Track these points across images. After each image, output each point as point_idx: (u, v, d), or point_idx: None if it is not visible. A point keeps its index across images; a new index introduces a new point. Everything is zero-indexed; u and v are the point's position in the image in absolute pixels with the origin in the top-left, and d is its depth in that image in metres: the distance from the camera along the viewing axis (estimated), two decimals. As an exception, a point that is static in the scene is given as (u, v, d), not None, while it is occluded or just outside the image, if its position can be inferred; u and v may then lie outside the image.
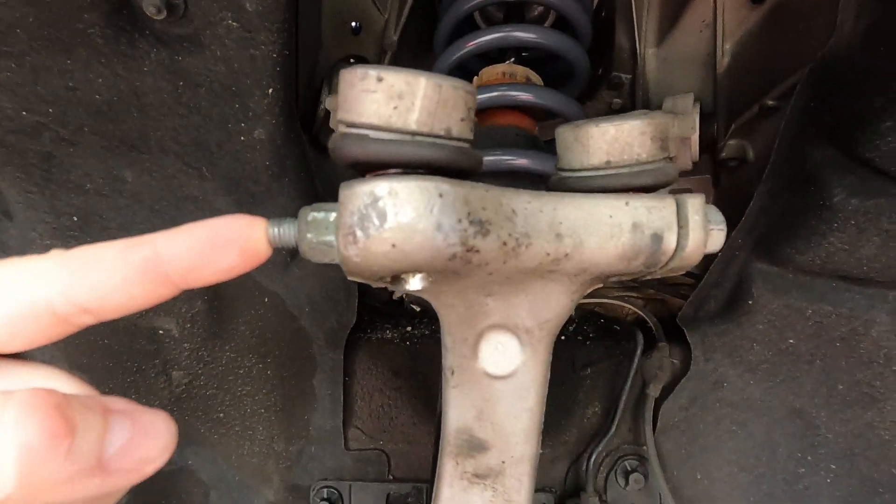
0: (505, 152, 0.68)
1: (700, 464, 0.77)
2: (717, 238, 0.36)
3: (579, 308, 0.94)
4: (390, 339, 0.83)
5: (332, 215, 0.30)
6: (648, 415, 0.75)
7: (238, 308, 0.79)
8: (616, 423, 0.77)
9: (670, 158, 0.37)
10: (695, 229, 0.34)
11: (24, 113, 0.55)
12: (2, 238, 0.65)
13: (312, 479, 0.80)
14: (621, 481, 0.78)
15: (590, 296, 0.97)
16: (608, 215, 0.33)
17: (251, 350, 0.80)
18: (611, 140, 0.35)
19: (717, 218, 0.36)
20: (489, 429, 0.42)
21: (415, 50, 0.93)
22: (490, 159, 0.68)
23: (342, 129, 0.29)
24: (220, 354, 0.80)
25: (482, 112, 0.77)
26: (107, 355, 0.74)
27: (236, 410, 0.82)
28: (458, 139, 0.29)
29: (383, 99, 0.27)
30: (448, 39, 0.81)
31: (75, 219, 0.65)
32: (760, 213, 0.69)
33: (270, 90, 0.62)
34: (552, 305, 0.37)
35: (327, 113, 0.84)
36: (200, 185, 0.67)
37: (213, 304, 0.78)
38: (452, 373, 0.41)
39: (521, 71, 0.79)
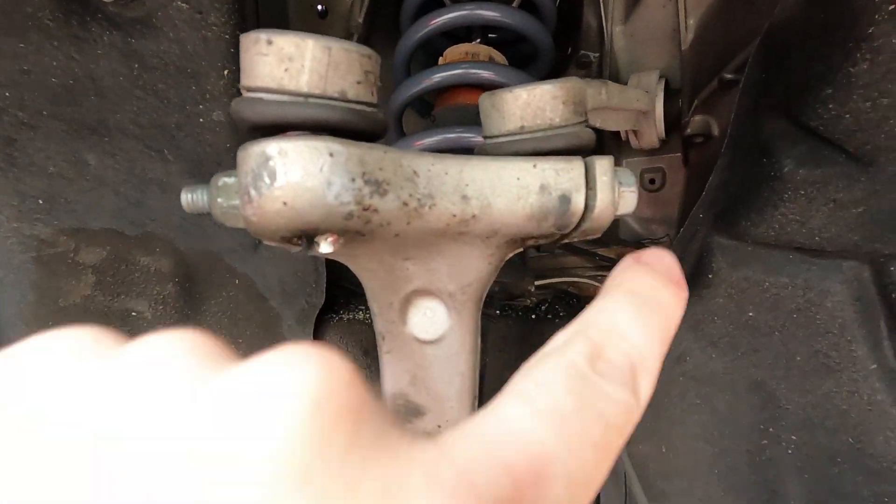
0: (465, 129, 0.69)
1: (665, 438, 0.78)
2: (628, 199, 0.37)
3: (551, 288, 0.94)
4: (362, 319, 0.85)
5: (242, 180, 0.31)
6: (612, 389, 0.76)
7: (209, 290, 0.80)
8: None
9: (585, 122, 0.38)
10: (603, 190, 0.35)
11: (-19, 97, 0.56)
12: (-30, 221, 0.66)
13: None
14: (586, 455, 0.79)
15: (563, 275, 0.98)
16: (515, 177, 0.34)
17: (223, 330, 0.82)
18: (523, 105, 0.36)
19: (628, 180, 0.37)
20: (424, 393, 0.43)
21: (388, 30, 0.93)
22: (450, 136, 0.69)
23: (243, 92, 0.30)
24: (194, 336, 0.82)
25: (445, 91, 0.78)
26: (81, 337, 0.76)
27: (211, 390, 0.84)
28: (356, 101, 0.30)
29: (275, 62, 0.28)
30: (413, 18, 0.81)
31: (41, 202, 0.66)
32: (720, 188, 0.69)
33: (226, 72, 0.63)
34: (472, 269, 0.38)
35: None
36: (164, 168, 0.68)
37: (184, 286, 0.79)
38: (384, 338, 0.42)
39: (485, 51, 0.79)
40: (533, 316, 0.89)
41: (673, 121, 0.85)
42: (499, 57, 0.80)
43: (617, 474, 0.80)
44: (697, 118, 0.81)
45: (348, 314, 0.86)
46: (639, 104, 0.71)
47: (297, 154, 0.27)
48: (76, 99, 0.60)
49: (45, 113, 0.60)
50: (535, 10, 0.81)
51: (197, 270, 0.79)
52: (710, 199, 0.70)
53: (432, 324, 0.41)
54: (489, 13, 0.74)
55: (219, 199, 0.31)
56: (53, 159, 0.64)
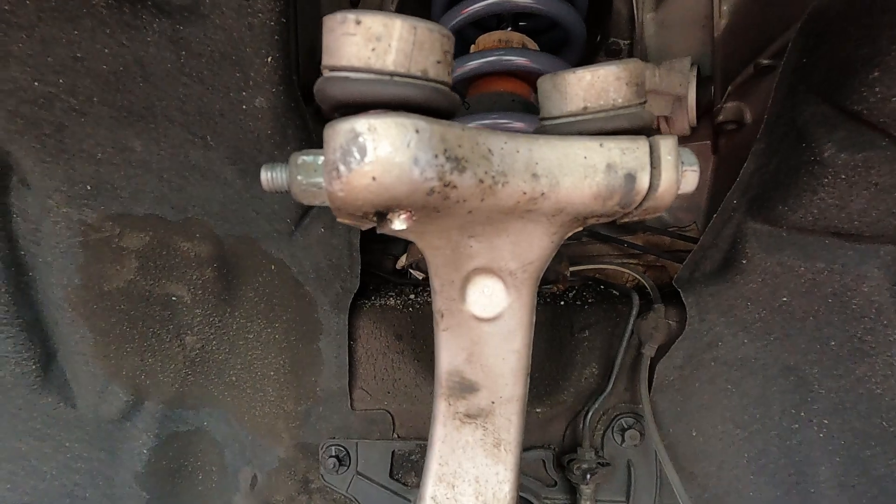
0: (501, 115, 0.69)
1: (695, 421, 0.79)
2: (690, 178, 0.37)
3: (580, 275, 0.95)
4: (394, 305, 0.86)
5: (321, 159, 0.32)
6: (644, 374, 0.77)
7: (246, 275, 0.82)
8: (612, 382, 0.79)
9: (645, 102, 0.39)
10: (667, 169, 0.36)
11: (35, 83, 0.58)
12: (21, 206, 0.68)
13: (321, 437, 0.84)
14: (618, 438, 0.80)
15: (591, 262, 0.98)
16: (583, 156, 0.34)
17: (259, 315, 0.83)
18: (587, 86, 0.37)
19: (691, 159, 0.37)
20: (479, 370, 0.44)
21: (419, 12, 0.93)
22: (486, 123, 0.70)
23: (325, 73, 0.31)
24: (231, 320, 0.84)
25: (479, 78, 0.78)
26: (124, 320, 0.78)
27: (247, 373, 0.86)
28: (435, 80, 0.31)
29: (362, 41, 0.29)
30: (445, 6, 0.81)
31: (88, 187, 0.68)
32: (755, 173, 0.69)
33: (269, 59, 0.64)
34: (534, 246, 0.39)
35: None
36: (205, 155, 0.69)
37: (221, 271, 0.81)
38: (442, 316, 0.43)
39: (517, 38, 0.80)
40: (562, 302, 0.90)
41: (704, 108, 0.85)
42: (531, 44, 0.81)
43: (648, 457, 0.81)
44: (730, 105, 0.81)
45: (380, 300, 0.87)
46: (681, 89, 0.71)
47: (386, 130, 0.28)
48: (125, 85, 0.61)
49: (95, 99, 0.61)
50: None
51: (234, 256, 0.80)
52: (745, 185, 0.71)
53: (491, 301, 0.42)
54: (523, 1, 0.74)
55: (298, 177, 0.33)
56: (102, 145, 0.65)
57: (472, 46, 0.82)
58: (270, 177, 0.34)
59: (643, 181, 0.35)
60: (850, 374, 0.69)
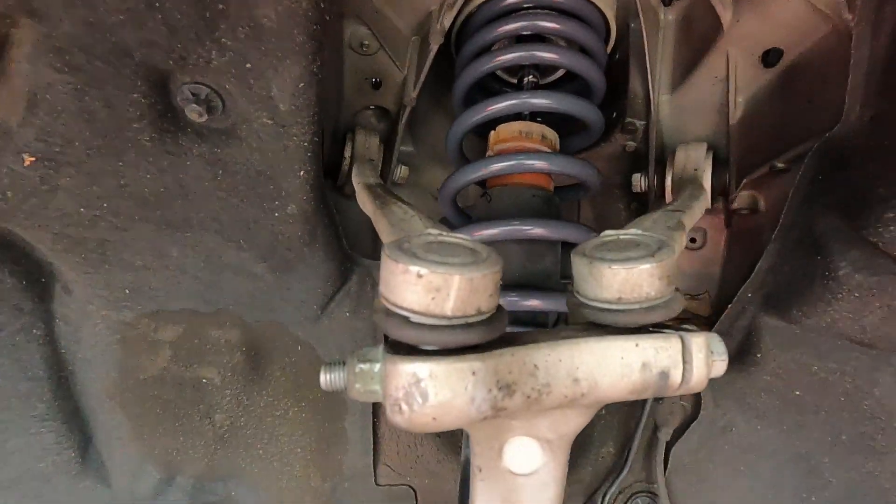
0: (523, 222, 0.71)
1: (709, 501, 0.82)
2: (719, 367, 0.40)
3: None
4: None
5: (377, 366, 0.35)
6: (660, 457, 0.79)
7: (273, 357, 0.84)
8: (629, 463, 0.81)
9: (677, 289, 0.41)
10: (698, 366, 0.38)
11: (81, 210, 0.60)
12: (63, 311, 0.71)
13: (346, 512, 0.87)
14: (634, 517, 0.83)
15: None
16: (620, 357, 0.37)
17: (286, 394, 0.86)
18: (622, 281, 0.39)
19: (720, 349, 0.40)
20: (513, 514, 0.47)
21: (435, 95, 0.95)
22: (508, 229, 0.72)
23: (384, 303, 0.34)
24: (259, 398, 0.87)
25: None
26: (157, 405, 0.81)
27: (275, 448, 0.89)
28: (488, 312, 0.34)
29: (422, 291, 0.31)
30: (465, 97, 0.83)
31: (127, 291, 0.70)
32: (769, 272, 0.72)
33: (302, 172, 0.66)
34: (571, 423, 0.42)
35: (351, 163, 0.88)
36: (238, 255, 0.72)
37: (250, 354, 0.84)
38: (480, 470, 0.46)
39: (537, 129, 0.82)
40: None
41: (719, 191, 0.87)
42: (550, 134, 0.83)
43: (662, 536, 0.84)
44: (745, 193, 0.83)
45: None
46: (701, 213, 0.73)
47: (446, 377, 0.31)
48: (164, 203, 0.64)
49: (136, 217, 0.64)
50: (584, 85, 0.83)
51: (262, 340, 0.83)
52: (760, 281, 0.73)
53: (528, 460, 0.44)
54: (542, 101, 0.76)
55: (357, 385, 0.35)
56: (141, 254, 0.68)
57: (492, 133, 0.84)
58: (330, 379, 0.36)
59: (676, 377, 0.38)
60: (860, 467, 0.72)
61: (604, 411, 0.86)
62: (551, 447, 0.43)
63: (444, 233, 0.37)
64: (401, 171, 0.94)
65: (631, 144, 0.96)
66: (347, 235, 0.80)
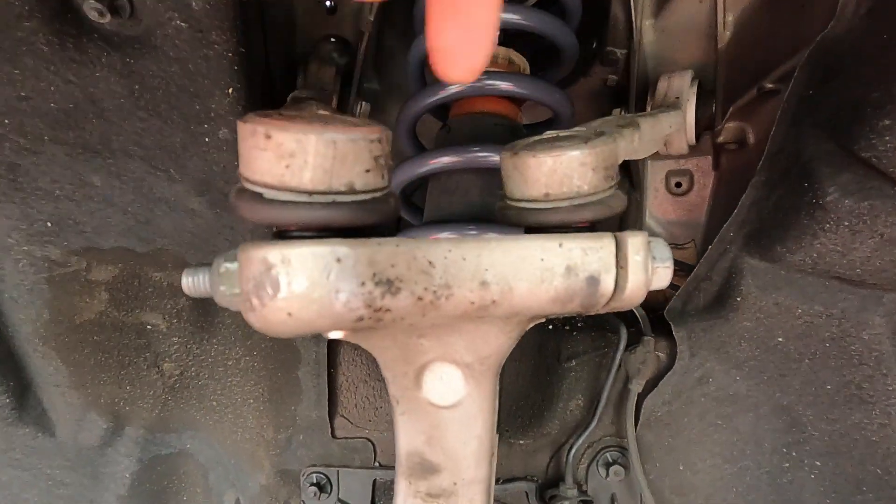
0: (482, 148, 0.65)
1: (683, 455, 0.77)
2: (662, 276, 0.34)
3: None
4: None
5: (245, 266, 0.29)
6: (630, 410, 0.74)
7: (222, 303, 0.80)
8: (598, 416, 0.76)
9: (615, 186, 0.35)
10: (635, 270, 0.32)
11: (-21, 125, 0.54)
12: (-20, 245, 0.66)
13: (302, 464, 0.83)
14: (602, 472, 0.78)
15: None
16: (539, 258, 0.31)
17: (238, 343, 0.82)
18: (548, 172, 0.33)
19: (664, 254, 0.34)
20: (439, 453, 0.42)
21: (402, 29, 0.88)
22: (467, 157, 0.65)
23: (242, 182, 0.28)
24: (209, 347, 0.82)
25: (461, 97, 0.73)
26: (98, 351, 0.76)
27: (227, 399, 0.84)
28: (364, 191, 0.27)
29: (274, 158, 0.25)
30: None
31: (49, 224, 0.65)
32: (753, 207, 0.65)
33: (230, 90, 0.60)
34: (490, 343, 0.36)
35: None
36: (170, 187, 0.66)
37: (197, 299, 0.79)
38: (398, 402, 0.40)
39: (503, 53, 0.74)
40: (550, 327, 0.87)
41: (705, 124, 0.79)
42: (518, 59, 0.75)
43: (632, 492, 0.79)
44: (732, 125, 0.76)
45: (362, 324, 0.85)
46: (672, 128, 0.66)
47: (302, 262, 0.25)
48: (77, 122, 0.58)
49: (46, 138, 0.58)
50: (558, 6, 0.75)
51: (209, 284, 0.78)
52: (743, 218, 0.66)
53: (448, 389, 0.39)
54: (507, 16, 0.69)
55: (221, 287, 0.29)
56: (59, 182, 0.62)
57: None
58: (192, 282, 0.31)
59: (607, 284, 0.32)
60: (845, 419, 0.66)
61: (573, 362, 0.81)
62: (473, 374, 0.38)
63: (333, 111, 0.31)
64: (361, 108, 0.87)
65: (612, 78, 0.88)
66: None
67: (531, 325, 0.37)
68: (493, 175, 0.68)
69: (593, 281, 0.31)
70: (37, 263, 0.67)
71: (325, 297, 0.25)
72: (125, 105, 0.58)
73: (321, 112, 0.30)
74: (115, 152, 0.61)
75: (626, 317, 0.82)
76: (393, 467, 0.83)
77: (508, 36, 0.79)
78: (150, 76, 0.57)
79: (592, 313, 0.35)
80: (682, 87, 0.76)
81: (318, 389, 0.80)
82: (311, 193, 0.26)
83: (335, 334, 0.31)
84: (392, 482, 0.85)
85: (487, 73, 0.69)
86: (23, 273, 0.67)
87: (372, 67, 0.91)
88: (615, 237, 0.32)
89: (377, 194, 0.28)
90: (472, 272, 0.30)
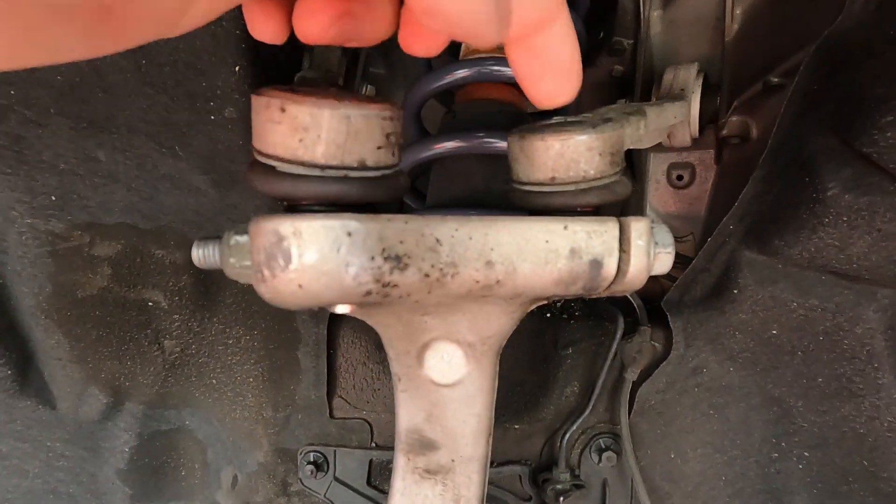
0: (487, 134, 0.65)
1: (674, 444, 0.79)
2: (664, 261, 0.34)
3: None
4: (375, 313, 0.84)
5: (255, 239, 0.29)
6: (624, 398, 0.75)
7: (224, 281, 0.80)
8: (593, 403, 0.78)
9: (621, 172, 0.35)
10: (637, 254, 0.32)
11: (-15, 96, 0.54)
12: (-16, 217, 0.66)
13: (299, 443, 0.84)
14: (595, 457, 0.80)
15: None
16: (544, 240, 0.31)
17: (238, 322, 0.82)
18: (555, 155, 0.33)
19: (666, 240, 0.34)
20: (438, 430, 0.43)
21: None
22: (473, 143, 0.65)
23: (255, 155, 0.28)
24: (209, 325, 0.83)
25: (467, 84, 0.73)
26: (99, 325, 0.77)
27: (227, 377, 0.85)
28: (375, 168, 0.28)
29: (288, 131, 0.26)
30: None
31: (53, 198, 0.65)
32: (753, 201, 0.65)
33: (237, 68, 0.60)
34: (492, 323, 0.37)
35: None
36: (175, 164, 0.66)
37: (199, 277, 0.79)
38: (399, 379, 0.41)
39: (510, 39, 0.74)
40: (548, 314, 0.88)
41: (709, 118, 0.79)
42: (525, 46, 0.75)
43: (623, 478, 0.81)
44: (735, 119, 0.76)
45: (362, 307, 0.86)
46: (676, 119, 0.66)
47: (313, 235, 0.25)
48: (83, 96, 0.58)
49: (51, 110, 0.58)
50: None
51: (211, 263, 0.78)
52: (743, 211, 0.67)
53: (450, 368, 0.40)
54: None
55: (231, 259, 0.30)
56: (63, 156, 0.62)
57: (463, 46, 0.77)
58: (202, 254, 0.31)
59: (610, 267, 0.32)
60: (835, 411, 0.67)
61: (570, 349, 0.82)
62: (475, 353, 0.39)
63: (347, 91, 0.31)
64: (366, 90, 0.87)
65: (618, 69, 0.88)
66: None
67: (533, 306, 0.37)
68: (497, 161, 0.68)
69: (596, 264, 0.32)
70: (40, 237, 0.67)
71: (336, 270, 0.26)
72: (131, 80, 0.58)
73: (333, 89, 0.30)
74: (120, 127, 0.61)
75: (623, 306, 0.83)
76: (389, 448, 0.85)
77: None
78: (157, 52, 0.57)
79: (594, 296, 0.36)
80: (688, 79, 0.76)
81: (318, 370, 0.81)
82: (323, 168, 0.26)
83: (342, 308, 0.32)
84: (388, 463, 0.86)
85: (493, 59, 0.69)
86: (26, 246, 0.67)
87: (378, 51, 0.91)
88: (619, 221, 0.32)
89: (388, 171, 0.29)
90: (479, 251, 0.30)
